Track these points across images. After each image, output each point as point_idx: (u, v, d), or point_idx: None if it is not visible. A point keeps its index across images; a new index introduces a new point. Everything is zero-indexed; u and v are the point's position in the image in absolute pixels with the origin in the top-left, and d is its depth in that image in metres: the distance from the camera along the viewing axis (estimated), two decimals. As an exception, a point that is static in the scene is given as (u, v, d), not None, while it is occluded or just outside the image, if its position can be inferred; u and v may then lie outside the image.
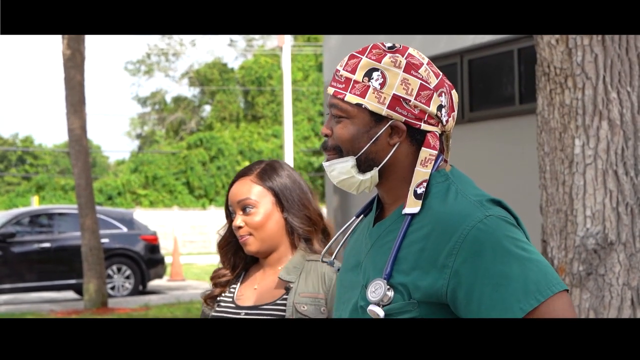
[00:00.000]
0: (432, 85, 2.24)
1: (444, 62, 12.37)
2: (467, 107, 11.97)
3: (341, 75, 2.25)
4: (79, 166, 16.00)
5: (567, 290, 2.08)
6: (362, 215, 2.43)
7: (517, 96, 11.18)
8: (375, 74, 2.21)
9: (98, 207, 18.98)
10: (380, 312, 2.15)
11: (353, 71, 2.24)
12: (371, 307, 2.16)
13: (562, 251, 5.32)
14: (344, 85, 2.24)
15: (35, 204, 37.83)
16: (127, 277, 18.60)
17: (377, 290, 2.17)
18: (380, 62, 2.22)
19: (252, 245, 3.16)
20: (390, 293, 2.15)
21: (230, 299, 3.22)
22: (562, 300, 2.07)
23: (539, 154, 5.51)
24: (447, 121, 2.27)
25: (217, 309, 3.23)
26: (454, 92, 2.32)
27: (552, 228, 5.42)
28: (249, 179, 3.19)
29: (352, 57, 2.26)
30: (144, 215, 35.43)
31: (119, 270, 18.47)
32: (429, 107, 2.22)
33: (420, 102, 2.22)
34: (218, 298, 3.26)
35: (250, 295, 3.20)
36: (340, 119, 2.24)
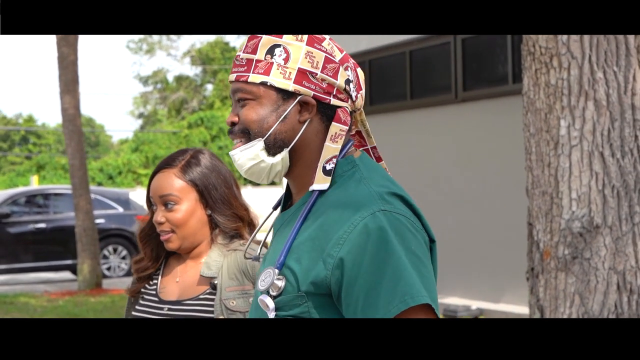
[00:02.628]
0: (337, 59, 2.17)
1: (437, 42, 12.27)
2: (461, 86, 11.87)
3: (242, 59, 2.17)
4: (73, 146, 15.90)
5: (431, 306, 1.98)
6: (279, 208, 2.33)
7: (510, 76, 11.08)
8: (277, 50, 2.14)
9: (93, 187, 18.93)
10: (270, 304, 2.08)
11: (254, 51, 2.16)
12: (261, 297, 2.09)
13: (547, 234, 5.26)
14: (245, 68, 2.16)
15: (34, 184, 37.81)
16: (123, 258, 18.52)
17: (266, 279, 2.10)
18: (281, 38, 2.15)
19: (173, 242, 3.10)
20: (281, 282, 2.07)
21: (154, 292, 3.16)
22: (422, 313, 1.97)
23: (525, 135, 5.45)
24: (356, 97, 2.21)
25: (141, 302, 3.18)
26: (359, 70, 2.26)
27: (537, 211, 5.35)
28: (172, 171, 3.11)
29: (251, 38, 2.19)
30: (144, 195, 35.38)
31: (114, 250, 18.40)
32: (337, 80, 2.16)
33: (327, 75, 2.15)
34: (141, 290, 3.20)
35: (172, 288, 3.14)
36: (246, 101, 2.16)
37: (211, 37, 58.93)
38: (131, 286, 3.22)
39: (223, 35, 58.02)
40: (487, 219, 11.51)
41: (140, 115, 65.33)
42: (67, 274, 18.95)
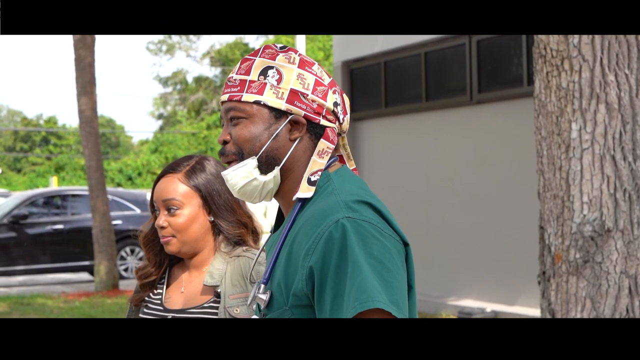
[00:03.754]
0: (326, 83, 2.25)
1: (452, 43, 12.24)
2: (476, 88, 11.84)
3: (235, 80, 2.25)
4: (90, 147, 15.94)
5: (387, 310, 1.99)
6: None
7: (524, 78, 11.04)
8: (270, 72, 2.22)
9: (111, 189, 18.98)
10: None
11: (247, 72, 2.24)
12: (252, 317, 2.19)
13: (558, 238, 5.23)
14: (239, 88, 2.23)
15: (54, 185, 37.94)
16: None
17: (252, 293, 2.19)
18: (274, 60, 2.23)
19: (173, 246, 3.09)
20: (265, 296, 2.15)
21: (159, 301, 3.15)
22: (373, 317, 2.00)
23: (536, 138, 5.43)
24: (343, 119, 2.28)
25: (145, 310, 3.17)
26: (345, 95, 2.33)
27: (549, 214, 5.33)
28: (176, 176, 3.11)
29: (244, 60, 2.27)
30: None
31: (132, 252, 18.44)
32: (326, 101, 2.24)
33: (317, 96, 2.22)
34: (146, 299, 3.19)
35: (177, 298, 3.14)
36: (239, 119, 2.23)
37: (230, 38, 59.04)
38: (134, 295, 3.21)
39: (242, 36, 58.10)
40: (502, 221, 11.47)
41: (160, 116, 65.47)
42: (84, 275, 19.00)
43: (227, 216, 3.09)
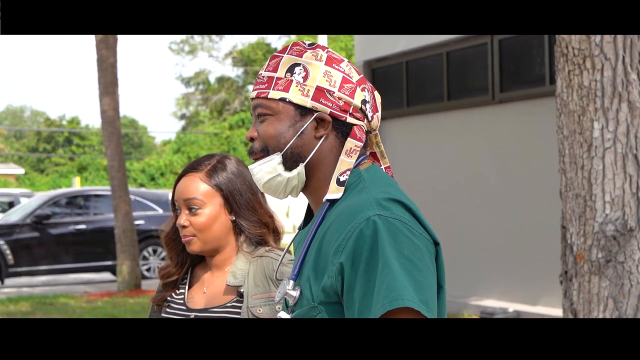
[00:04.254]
0: (354, 80, 2.25)
1: (474, 43, 12.21)
2: (498, 87, 11.80)
3: (263, 77, 2.26)
4: (112, 148, 15.99)
5: (416, 309, 1.99)
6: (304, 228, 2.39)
7: (547, 77, 10.99)
8: (297, 69, 2.23)
9: (133, 189, 19.03)
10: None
11: (275, 69, 2.25)
12: (279, 315, 2.19)
13: (580, 237, 5.21)
14: (266, 85, 2.25)
15: (77, 185, 38.07)
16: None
17: (282, 289, 2.20)
18: (301, 57, 2.24)
19: (194, 245, 3.08)
20: (295, 293, 2.16)
21: (181, 301, 3.15)
22: (405, 316, 2.00)
23: (558, 137, 5.40)
24: (372, 117, 2.27)
25: (168, 310, 3.16)
26: (376, 92, 2.32)
27: (571, 214, 5.30)
28: (197, 176, 3.10)
29: (272, 57, 2.28)
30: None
31: (154, 252, 18.47)
32: (353, 99, 2.23)
33: (344, 93, 2.22)
34: (168, 298, 3.18)
35: (200, 298, 3.12)
36: (265, 116, 2.24)
37: (253, 38, 59.09)
38: (156, 295, 3.21)
39: (265, 36, 58.17)
40: (524, 221, 11.43)
41: (183, 117, 65.63)
42: (107, 275, 19.07)
43: (248, 215, 3.09)
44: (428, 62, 13.17)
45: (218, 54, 67.69)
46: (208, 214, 3.05)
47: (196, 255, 3.17)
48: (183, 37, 59.22)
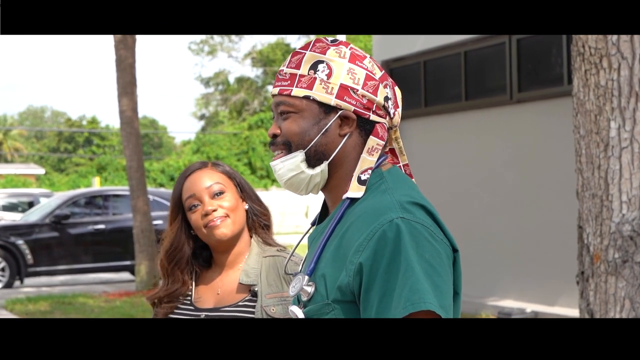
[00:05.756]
0: (377, 77, 2.24)
1: (492, 42, 12.17)
2: (516, 87, 11.76)
3: (285, 73, 2.24)
4: (130, 148, 16.02)
5: (437, 313, 2.01)
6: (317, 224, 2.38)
7: (565, 76, 10.95)
8: (320, 66, 2.21)
9: (152, 189, 19.07)
10: (299, 314, 2.16)
11: (297, 67, 2.23)
12: (291, 309, 2.18)
13: (597, 237, 5.19)
14: (289, 82, 2.23)
15: (96, 185, 38.18)
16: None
17: (297, 284, 2.18)
18: (325, 54, 2.22)
19: (226, 227, 3.03)
20: (310, 288, 2.15)
21: (189, 302, 3.11)
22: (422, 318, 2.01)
23: (575, 136, 5.38)
24: (393, 114, 2.26)
25: (175, 311, 3.11)
26: (397, 88, 2.31)
27: (587, 214, 5.28)
28: (206, 169, 3.12)
29: (295, 54, 2.26)
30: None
31: (173, 251, 18.47)
32: (377, 96, 2.22)
33: (367, 91, 2.21)
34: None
35: (209, 297, 3.09)
36: (289, 114, 2.23)
37: (272, 39, 59.14)
38: (161, 306, 3.14)
39: (284, 37, 58.19)
40: (541, 221, 11.39)
41: (202, 117, 65.73)
42: (125, 275, 19.12)
43: (257, 203, 3.13)
44: (446, 62, 13.14)
45: (237, 54, 67.79)
46: (232, 196, 3.06)
47: (202, 260, 3.13)
48: (203, 37, 59.30)
